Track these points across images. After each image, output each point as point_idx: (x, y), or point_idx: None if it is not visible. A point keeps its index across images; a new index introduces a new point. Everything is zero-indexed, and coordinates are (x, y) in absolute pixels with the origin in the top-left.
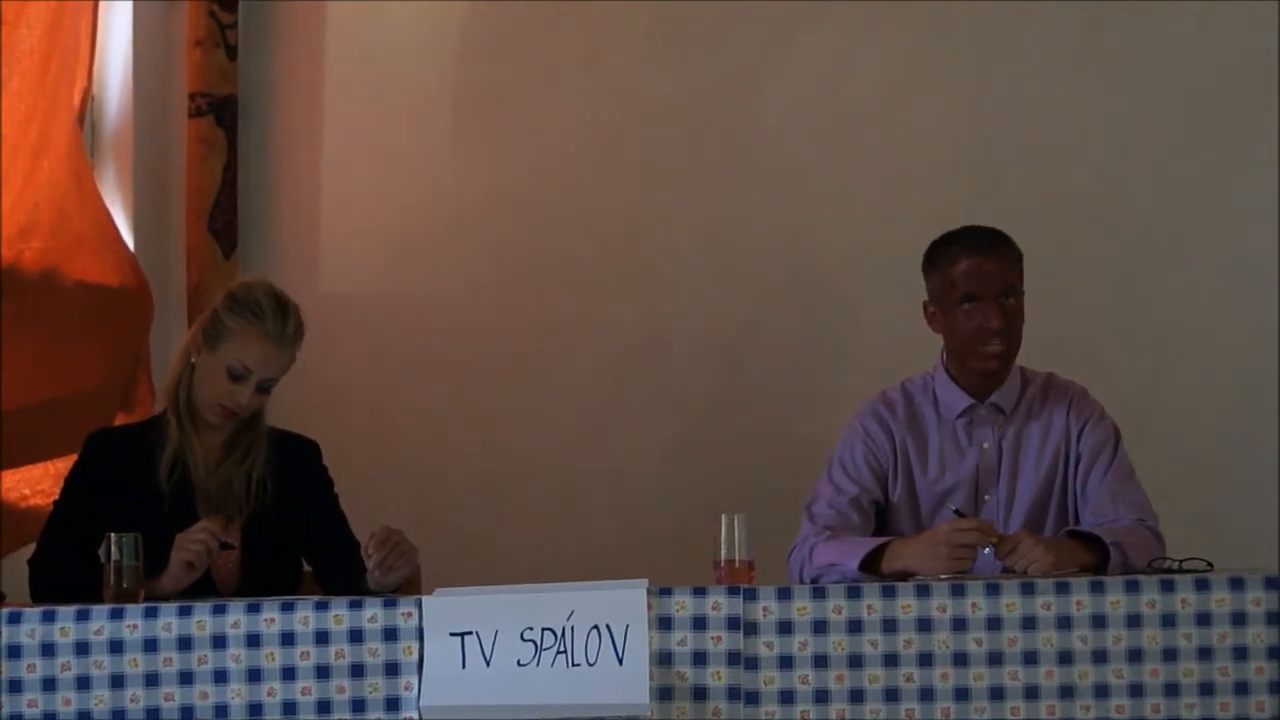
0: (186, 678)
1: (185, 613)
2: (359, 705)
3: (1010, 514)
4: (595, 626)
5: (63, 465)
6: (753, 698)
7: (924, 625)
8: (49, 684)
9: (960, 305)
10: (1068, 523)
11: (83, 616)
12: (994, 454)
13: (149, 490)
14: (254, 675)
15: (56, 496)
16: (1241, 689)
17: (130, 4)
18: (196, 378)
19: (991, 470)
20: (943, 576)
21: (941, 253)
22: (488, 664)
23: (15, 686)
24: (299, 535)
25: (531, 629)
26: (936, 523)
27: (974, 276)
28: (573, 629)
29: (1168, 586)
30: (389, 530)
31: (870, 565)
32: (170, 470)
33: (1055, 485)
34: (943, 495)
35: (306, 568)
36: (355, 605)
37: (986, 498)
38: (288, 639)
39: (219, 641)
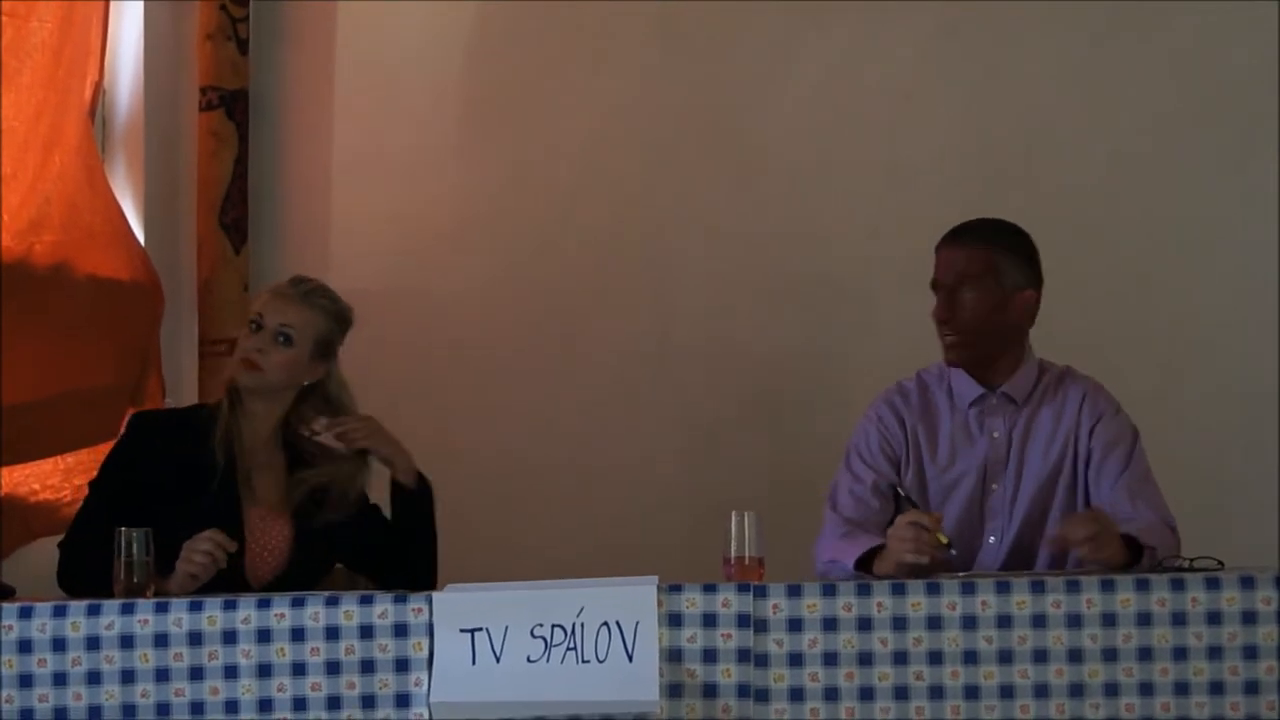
0: (197, 673)
1: (196, 608)
2: (369, 701)
3: (1015, 504)
4: (605, 623)
5: (72, 460)
6: (762, 695)
7: (934, 623)
8: (60, 679)
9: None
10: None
11: (93, 611)
12: (1003, 443)
13: (194, 473)
14: (264, 671)
15: (92, 478)
16: (1252, 688)
17: None
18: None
19: (1000, 459)
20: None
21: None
22: (498, 660)
23: (26, 681)
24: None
25: (542, 625)
26: (946, 510)
27: (938, 266)
28: (583, 625)
29: (1178, 585)
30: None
31: (868, 562)
32: (224, 444)
33: (1061, 479)
34: (951, 483)
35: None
36: (365, 601)
37: (994, 486)
38: (298, 634)
39: (229, 637)
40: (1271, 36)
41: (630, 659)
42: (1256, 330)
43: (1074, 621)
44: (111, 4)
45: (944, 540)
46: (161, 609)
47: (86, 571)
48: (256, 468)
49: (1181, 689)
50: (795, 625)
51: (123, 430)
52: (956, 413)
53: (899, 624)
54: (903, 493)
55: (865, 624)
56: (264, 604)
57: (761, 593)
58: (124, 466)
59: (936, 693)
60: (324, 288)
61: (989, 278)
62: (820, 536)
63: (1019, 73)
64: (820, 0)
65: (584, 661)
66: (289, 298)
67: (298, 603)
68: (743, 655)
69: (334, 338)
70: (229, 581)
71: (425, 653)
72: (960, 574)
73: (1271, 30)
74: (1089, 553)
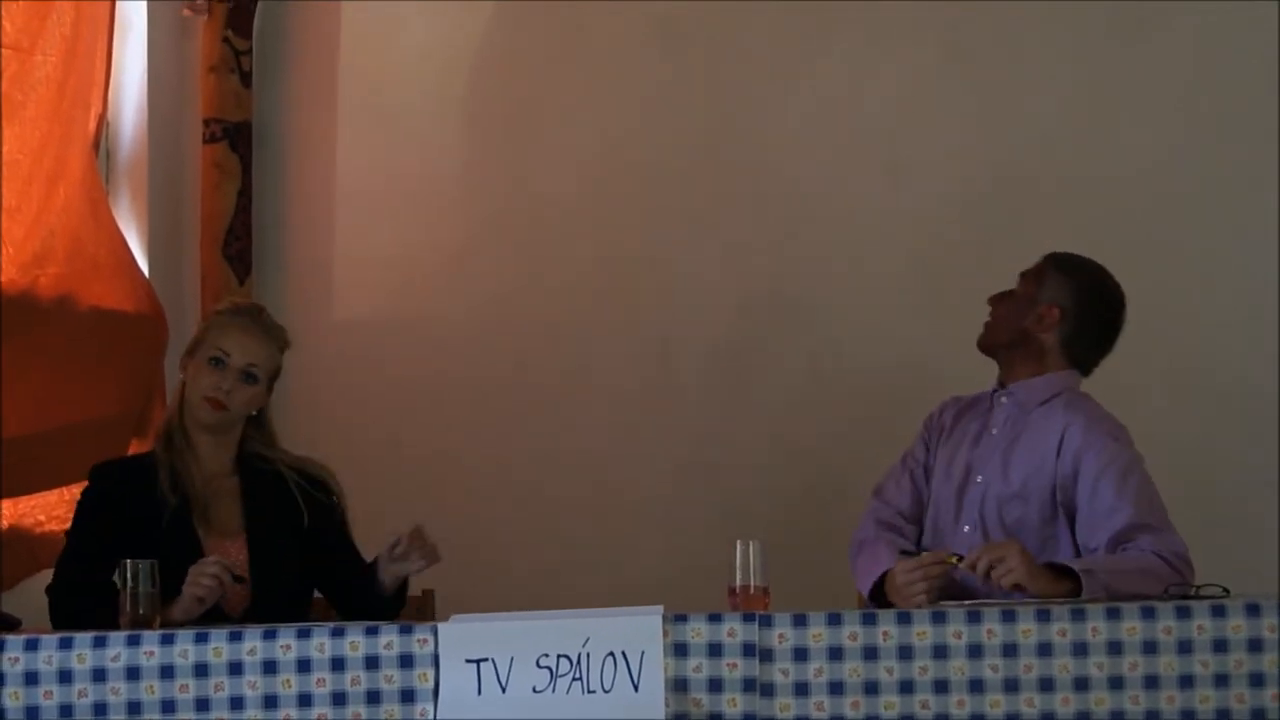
0: (203, 704)
1: (202, 639)
2: None
3: (985, 501)
4: (611, 653)
5: (78, 491)
6: None
7: (940, 652)
8: (66, 710)
9: None
10: (1045, 532)
11: (99, 643)
12: (997, 439)
13: (154, 514)
14: (270, 702)
15: (69, 526)
16: (1258, 715)
17: (145, 30)
18: (188, 391)
19: (991, 452)
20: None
21: None
22: (503, 691)
23: (33, 713)
24: (309, 565)
25: (547, 656)
26: (932, 495)
27: None
28: (588, 655)
29: (1184, 613)
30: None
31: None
32: (171, 485)
33: (1035, 493)
34: (946, 468)
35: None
36: (371, 632)
37: (978, 479)
38: (304, 665)
39: (235, 668)
40: (1271, 36)
41: (636, 689)
42: (1258, 331)
43: (1080, 650)
44: (115, 37)
45: (952, 560)
46: (167, 641)
47: (79, 616)
48: (213, 498)
49: (1188, 717)
50: (801, 655)
51: (86, 481)
52: (985, 409)
53: (905, 653)
54: (901, 549)
55: (871, 653)
56: (269, 635)
57: (767, 622)
58: (91, 516)
59: None
60: (279, 324)
61: (1031, 280)
62: (859, 525)
63: (1022, 82)
64: (826, 10)
65: (589, 692)
66: (252, 333)
67: (303, 634)
68: (748, 685)
69: (281, 367)
70: (207, 613)
71: (431, 683)
72: (967, 602)
73: (1271, 30)
74: (999, 572)
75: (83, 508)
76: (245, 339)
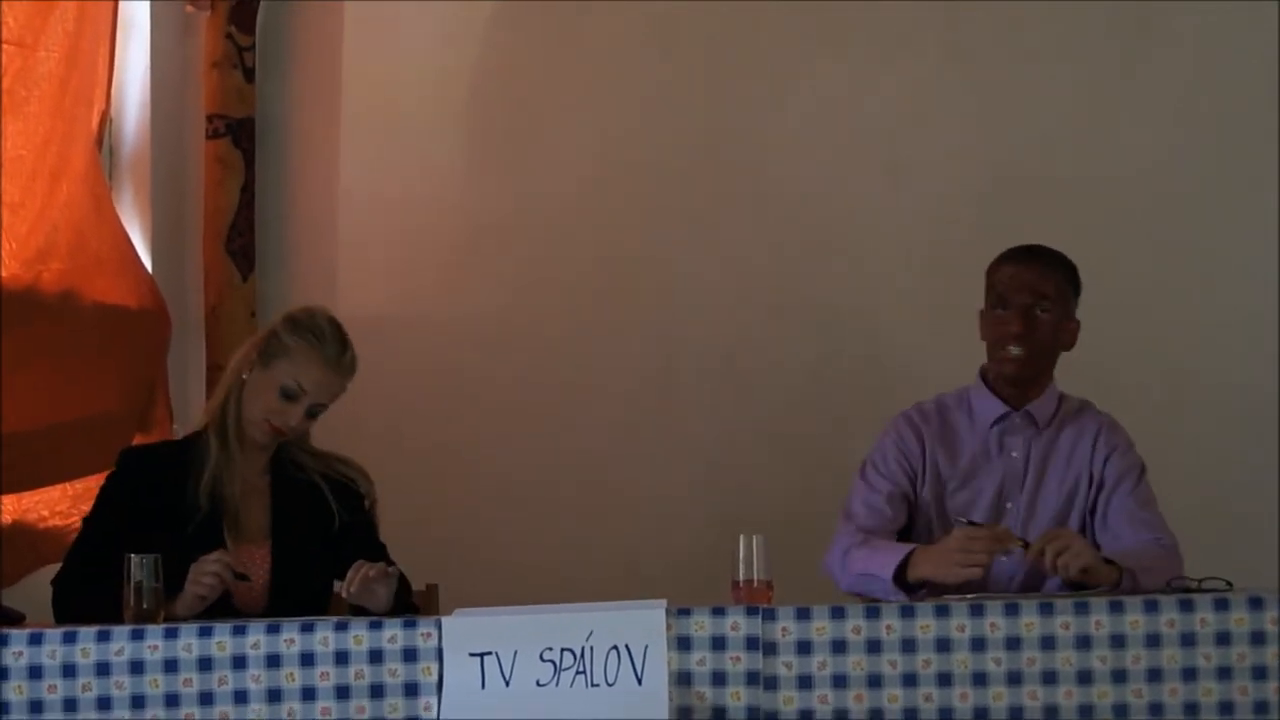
0: (207, 698)
1: (205, 633)
2: None
3: (1030, 523)
4: (614, 647)
5: (80, 486)
6: (772, 718)
7: (943, 645)
8: (70, 704)
9: (994, 309)
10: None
11: (103, 637)
12: (1021, 462)
13: (181, 509)
14: (274, 696)
15: (86, 514)
16: (1261, 708)
17: (148, 26)
18: (246, 394)
19: (1017, 478)
20: (958, 591)
21: (994, 262)
22: (507, 684)
23: (36, 707)
24: (333, 565)
25: (551, 649)
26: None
27: (1007, 283)
28: (592, 649)
29: (1187, 606)
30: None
31: (899, 572)
32: (209, 490)
33: (1077, 501)
34: (968, 501)
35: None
36: (375, 626)
37: (1009, 505)
38: (307, 659)
39: (239, 662)
40: (1271, 37)
41: (639, 682)
42: (1258, 331)
43: (1083, 643)
44: (118, 33)
45: (1018, 543)
46: (171, 635)
47: (85, 607)
48: (244, 501)
49: (1191, 709)
50: (804, 648)
51: (115, 466)
52: (977, 432)
53: (908, 646)
54: (964, 520)
55: (874, 646)
56: (273, 629)
57: (770, 616)
58: (116, 502)
59: (946, 715)
60: (355, 353)
61: (1061, 301)
62: (832, 546)
63: (1022, 82)
64: (826, 10)
65: (593, 685)
66: (333, 374)
67: (307, 628)
68: (752, 678)
69: None
70: (222, 614)
71: (435, 677)
72: (970, 595)
73: (1271, 30)
74: (1067, 559)
75: (106, 493)
76: (325, 379)
